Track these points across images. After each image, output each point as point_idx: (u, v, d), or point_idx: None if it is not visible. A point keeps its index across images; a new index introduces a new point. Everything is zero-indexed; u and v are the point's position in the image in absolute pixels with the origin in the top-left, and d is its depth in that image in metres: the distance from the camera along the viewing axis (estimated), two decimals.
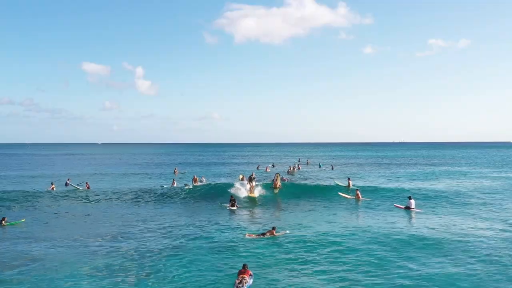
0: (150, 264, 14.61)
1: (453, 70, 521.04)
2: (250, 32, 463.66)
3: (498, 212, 23.55)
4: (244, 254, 15.62)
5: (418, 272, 13.21)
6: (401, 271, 13.41)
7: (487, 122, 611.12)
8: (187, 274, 13.73)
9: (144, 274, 13.67)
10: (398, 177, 49.59)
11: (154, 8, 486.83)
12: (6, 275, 13.44)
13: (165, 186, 36.54)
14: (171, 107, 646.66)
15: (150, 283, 12.83)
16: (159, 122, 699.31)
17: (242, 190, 30.88)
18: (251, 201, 28.64)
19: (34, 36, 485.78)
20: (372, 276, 12.88)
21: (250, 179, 31.92)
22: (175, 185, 36.90)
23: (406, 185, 38.80)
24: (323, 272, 13.63)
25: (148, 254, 15.73)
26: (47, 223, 22.16)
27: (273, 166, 74.40)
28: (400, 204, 27.87)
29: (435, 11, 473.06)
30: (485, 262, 14.30)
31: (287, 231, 19.31)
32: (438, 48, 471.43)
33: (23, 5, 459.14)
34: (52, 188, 35.19)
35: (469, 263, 14.20)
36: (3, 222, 22.31)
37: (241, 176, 51.62)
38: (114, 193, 29.73)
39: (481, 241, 16.80)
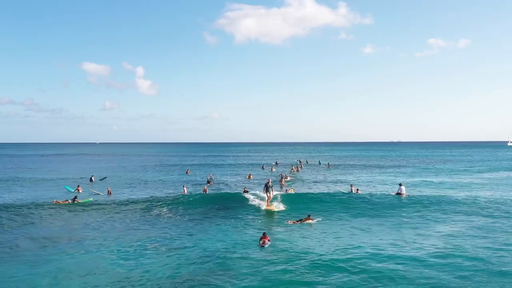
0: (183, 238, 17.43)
1: (453, 70, 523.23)
2: (250, 32, 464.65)
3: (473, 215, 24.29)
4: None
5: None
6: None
7: (487, 122, 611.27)
8: (221, 243, 17.63)
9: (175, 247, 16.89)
10: (391, 174, 52.98)
11: (154, 8, 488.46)
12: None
13: (172, 192, 37.08)
14: (171, 106, 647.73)
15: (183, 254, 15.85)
16: (159, 122, 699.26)
17: (259, 203, 27.14)
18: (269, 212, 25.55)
19: (35, 36, 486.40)
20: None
21: (267, 188, 26.84)
22: (185, 192, 36.01)
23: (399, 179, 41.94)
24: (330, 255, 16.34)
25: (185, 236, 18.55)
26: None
27: (276, 164, 77.04)
28: (392, 192, 31.41)
29: (435, 11, 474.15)
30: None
31: (320, 219, 23.07)
32: (438, 48, 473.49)
33: (23, 5, 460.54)
34: (78, 190, 36.52)
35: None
36: (75, 201, 26.98)
37: (248, 175, 54.39)
38: (134, 198, 30.73)
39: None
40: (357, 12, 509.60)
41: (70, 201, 27.34)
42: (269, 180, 28.20)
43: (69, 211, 24.80)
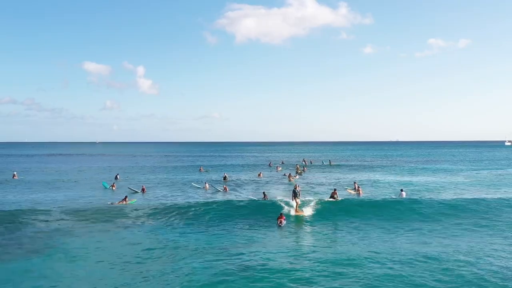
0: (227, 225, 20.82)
1: (453, 70, 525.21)
2: (250, 32, 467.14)
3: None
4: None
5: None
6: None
7: (486, 122, 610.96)
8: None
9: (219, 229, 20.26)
10: (391, 173, 56.61)
11: (155, 8, 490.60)
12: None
13: (197, 186, 41.43)
14: (172, 106, 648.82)
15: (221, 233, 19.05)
16: (159, 122, 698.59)
17: (288, 209, 25.79)
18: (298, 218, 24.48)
19: (36, 36, 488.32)
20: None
21: (295, 194, 25.93)
22: (207, 188, 40.15)
23: (399, 178, 45.37)
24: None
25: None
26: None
27: (282, 163, 79.53)
28: (394, 196, 32.89)
29: (435, 11, 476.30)
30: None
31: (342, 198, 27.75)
32: (438, 48, 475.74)
33: (24, 5, 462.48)
34: (113, 187, 40.13)
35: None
36: (126, 200, 29.87)
37: (258, 174, 56.85)
38: (168, 197, 33.85)
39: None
40: (357, 12, 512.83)
41: (121, 202, 29.75)
42: (296, 185, 27.35)
43: (122, 210, 27.13)
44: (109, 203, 29.78)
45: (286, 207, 25.89)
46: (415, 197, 31.17)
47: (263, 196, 32.65)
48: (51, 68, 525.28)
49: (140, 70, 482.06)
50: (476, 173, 56.34)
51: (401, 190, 32.99)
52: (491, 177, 50.63)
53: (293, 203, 25.88)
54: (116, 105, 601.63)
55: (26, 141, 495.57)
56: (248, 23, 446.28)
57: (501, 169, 64.24)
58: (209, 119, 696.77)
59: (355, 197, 33.76)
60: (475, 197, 31.07)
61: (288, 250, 17.53)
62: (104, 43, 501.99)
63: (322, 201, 28.02)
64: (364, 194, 35.56)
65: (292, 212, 25.09)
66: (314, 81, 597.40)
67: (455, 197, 31.76)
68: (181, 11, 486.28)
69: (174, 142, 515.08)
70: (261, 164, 79.17)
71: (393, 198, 31.46)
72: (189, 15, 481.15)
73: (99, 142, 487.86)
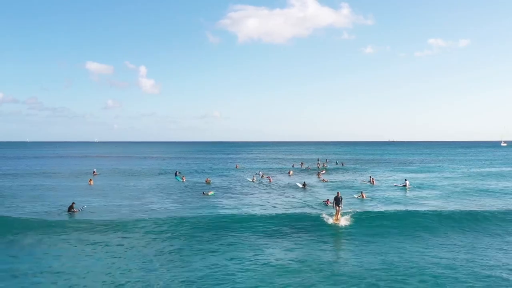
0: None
1: (453, 70, 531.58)
2: (253, 32, 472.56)
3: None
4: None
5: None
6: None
7: (486, 122, 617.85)
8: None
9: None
10: (395, 170, 63.70)
11: (158, 8, 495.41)
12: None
13: (249, 180, 47.38)
14: (173, 105, 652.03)
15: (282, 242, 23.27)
16: (160, 121, 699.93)
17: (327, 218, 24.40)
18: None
19: (38, 36, 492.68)
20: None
21: (337, 201, 24.63)
22: (255, 180, 46.63)
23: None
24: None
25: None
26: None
27: (302, 164, 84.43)
28: (398, 184, 41.82)
29: (435, 11, 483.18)
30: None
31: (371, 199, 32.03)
32: (437, 48, 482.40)
33: (27, 5, 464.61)
34: (183, 179, 46.26)
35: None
36: (205, 193, 35.10)
37: (289, 172, 59.71)
38: (235, 192, 38.40)
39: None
40: (358, 12, 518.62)
41: (207, 193, 35.19)
42: (338, 192, 25.99)
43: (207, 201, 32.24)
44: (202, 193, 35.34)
45: (324, 215, 24.91)
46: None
47: (303, 184, 40.52)
48: (54, 68, 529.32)
49: (142, 69, 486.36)
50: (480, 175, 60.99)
51: (405, 180, 41.78)
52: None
53: (334, 210, 24.76)
54: (118, 104, 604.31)
55: (27, 140, 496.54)
56: (251, 23, 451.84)
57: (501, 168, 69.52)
58: (210, 118, 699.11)
59: (370, 186, 41.52)
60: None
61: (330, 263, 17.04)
62: (106, 43, 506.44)
63: (357, 210, 26.87)
64: (376, 183, 43.59)
65: (331, 220, 23.94)
66: (315, 81, 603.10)
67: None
68: (184, 11, 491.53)
69: (174, 142, 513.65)
70: (286, 164, 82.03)
71: (398, 186, 40.35)
72: (192, 16, 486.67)
73: (98, 141, 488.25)
